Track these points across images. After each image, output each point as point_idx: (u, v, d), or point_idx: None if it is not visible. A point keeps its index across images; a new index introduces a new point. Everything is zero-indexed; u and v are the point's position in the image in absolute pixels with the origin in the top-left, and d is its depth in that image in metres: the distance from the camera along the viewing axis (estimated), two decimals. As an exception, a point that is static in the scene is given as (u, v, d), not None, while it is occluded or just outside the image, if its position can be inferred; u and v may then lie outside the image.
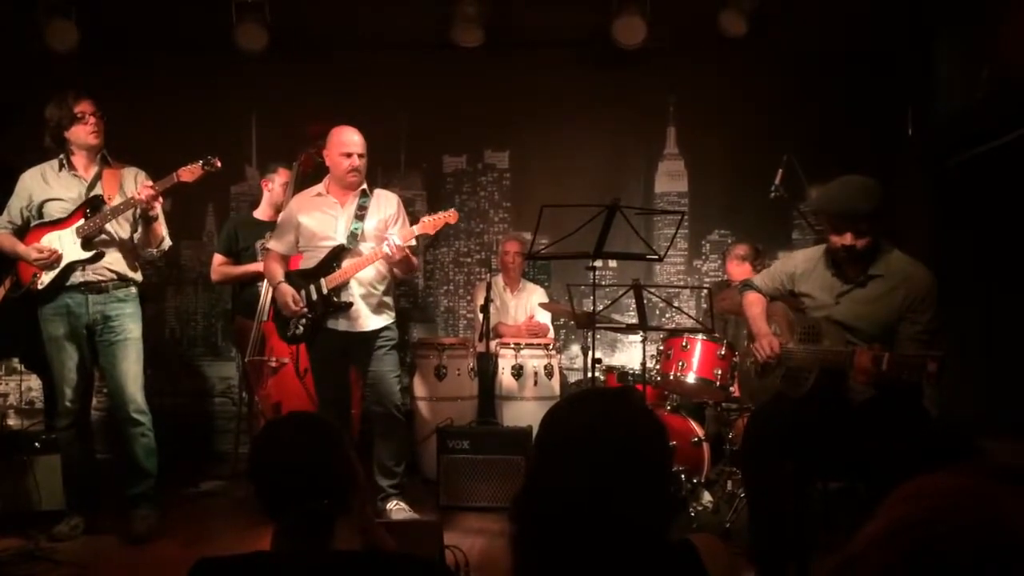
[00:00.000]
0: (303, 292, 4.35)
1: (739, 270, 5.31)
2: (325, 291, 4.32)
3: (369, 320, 4.39)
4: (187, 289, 6.53)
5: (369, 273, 4.36)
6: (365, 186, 4.45)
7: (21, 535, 4.13)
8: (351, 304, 4.32)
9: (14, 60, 5.86)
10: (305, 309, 4.33)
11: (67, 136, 4.21)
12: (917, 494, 0.84)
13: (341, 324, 4.36)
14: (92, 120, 4.21)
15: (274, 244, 4.54)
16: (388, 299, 4.50)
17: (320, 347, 4.47)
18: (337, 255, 4.34)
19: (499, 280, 6.04)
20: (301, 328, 4.39)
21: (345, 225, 4.36)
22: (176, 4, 5.75)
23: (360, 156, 4.35)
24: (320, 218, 4.41)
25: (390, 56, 6.24)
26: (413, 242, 4.38)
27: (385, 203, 4.47)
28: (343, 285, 4.33)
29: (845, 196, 3.24)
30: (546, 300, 5.99)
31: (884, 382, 3.07)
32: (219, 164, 4.21)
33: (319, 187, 4.49)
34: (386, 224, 4.40)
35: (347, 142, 4.35)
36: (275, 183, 5.33)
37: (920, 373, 2.91)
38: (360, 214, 4.37)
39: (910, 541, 0.79)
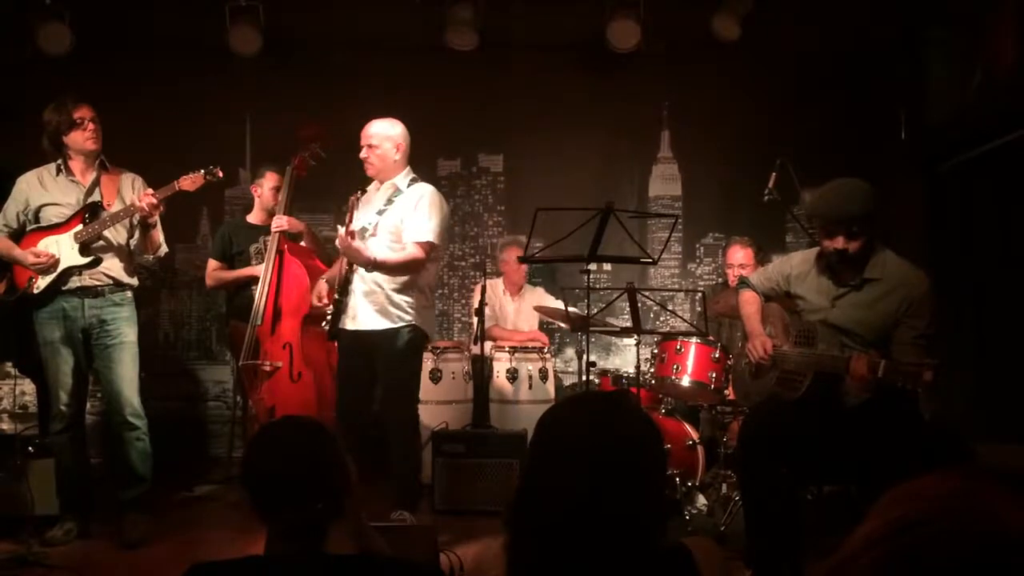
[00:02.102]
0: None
1: (741, 253, 5.22)
2: (336, 287, 4.30)
3: (370, 319, 4.22)
4: (181, 293, 6.51)
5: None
6: (399, 180, 4.30)
7: (14, 539, 4.12)
8: (341, 301, 4.25)
9: (7, 62, 5.85)
10: (328, 307, 4.31)
11: (65, 141, 4.20)
12: (911, 495, 0.84)
13: (347, 322, 4.28)
14: (91, 126, 4.21)
15: None
16: (402, 298, 4.21)
17: (341, 346, 4.40)
18: None
19: (499, 284, 6.03)
20: (325, 324, 4.34)
21: (366, 220, 4.29)
22: (169, 7, 5.74)
23: (370, 147, 4.25)
24: (360, 213, 4.35)
25: (384, 59, 6.24)
26: (414, 235, 4.20)
27: (411, 197, 4.27)
28: (348, 282, 4.26)
29: (836, 200, 3.24)
30: (546, 300, 5.94)
31: (880, 388, 3.07)
32: (221, 174, 4.23)
33: (374, 183, 4.40)
34: (402, 219, 4.25)
35: (361, 136, 4.30)
36: (263, 187, 5.32)
37: (916, 381, 2.91)
38: (383, 209, 4.26)
39: (905, 542, 0.79)
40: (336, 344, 4.50)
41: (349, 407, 4.30)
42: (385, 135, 4.27)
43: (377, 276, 4.21)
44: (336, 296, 4.28)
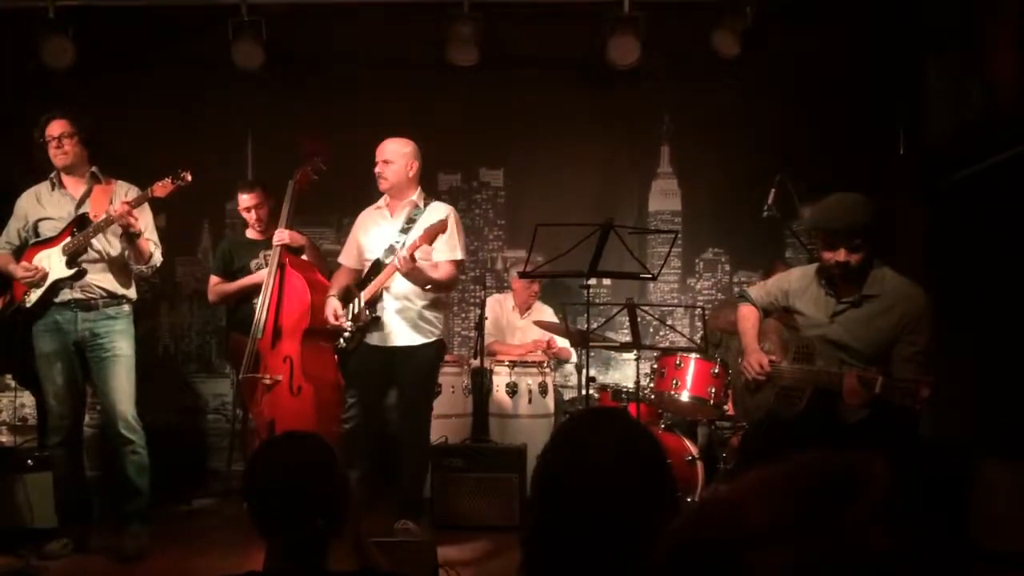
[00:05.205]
0: (350, 306, 4.38)
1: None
2: (361, 305, 4.36)
3: (402, 335, 4.35)
4: (181, 306, 6.50)
5: (404, 286, 4.31)
6: (417, 198, 4.45)
7: (12, 553, 4.11)
8: (376, 318, 4.33)
9: (9, 76, 5.87)
10: (347, 323, 4.36)
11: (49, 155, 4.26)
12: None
13: (374, 338, 4.38)
14: (54, 143, 4.22)
15: (342, 258, 4.66)
16: (432, 314, 4.39)
17: (357, 361, 4.45)
18: (375, 269, 4.38)
19: (508, 299, 6.04)
20: (343, 341, 4.43)
21: (389, 238, 4.36)
22: (173, 21, 5.77)
23: (386, 163, 4.37)
24: (373, 232, 4.46)
25: (386, 74, 6.26)
26: (447, 255, 4.32)
27: (433, 216, 4.37)
28: (377, 299, 4.35)
29: (840, 211, 3.24)
30: (552, 318, 5.90)
31: (878, 404, 3.08)
32: (189, 178, 4.24)
33: (381, 200, 4.53)
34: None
35: (377, 152, 4.42)
36: (248, 207, 5.26)
37: (913, 398, 2.92)
38: (407, 227, 4.35)
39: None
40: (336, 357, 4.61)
41: (364, 418, 4.40)
42: (400, 152, 4.42)
43: (409, 293, 4.33)
44: (367, 313, 4.35)
